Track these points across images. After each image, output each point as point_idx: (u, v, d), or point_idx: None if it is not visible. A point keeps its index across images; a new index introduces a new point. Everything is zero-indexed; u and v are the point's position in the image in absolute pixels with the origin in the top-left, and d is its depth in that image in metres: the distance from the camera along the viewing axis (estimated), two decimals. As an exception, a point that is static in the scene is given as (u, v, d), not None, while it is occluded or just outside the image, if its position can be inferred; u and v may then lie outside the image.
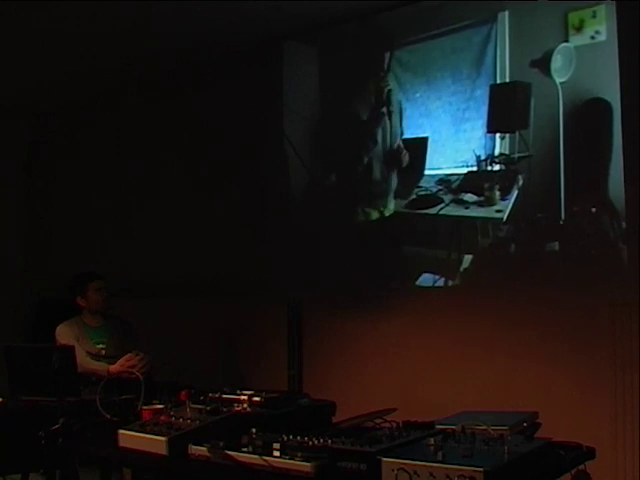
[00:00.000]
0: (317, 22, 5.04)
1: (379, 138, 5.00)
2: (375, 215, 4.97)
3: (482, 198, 4.44)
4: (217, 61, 5.70)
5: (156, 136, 6.26)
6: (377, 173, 5.01)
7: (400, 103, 4.88)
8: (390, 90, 4.94)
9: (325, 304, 5.23)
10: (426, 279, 4.67)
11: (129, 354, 4.36)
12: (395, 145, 4.91)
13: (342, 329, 5.08)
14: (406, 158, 4.85)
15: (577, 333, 4.07)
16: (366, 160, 5.06)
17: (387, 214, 4.92)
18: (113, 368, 4.29)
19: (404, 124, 4.87)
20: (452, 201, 4.57)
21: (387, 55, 4.99)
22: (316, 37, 5.28)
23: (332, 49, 5.23)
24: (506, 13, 4.35)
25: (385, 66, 5.00)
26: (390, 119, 4.93)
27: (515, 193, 4.31)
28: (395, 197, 4.88)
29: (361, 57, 5.11)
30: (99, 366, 4.33)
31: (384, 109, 4.95)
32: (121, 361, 4.33)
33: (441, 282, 4.61)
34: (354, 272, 5.02)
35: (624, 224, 3.92)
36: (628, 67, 3.89)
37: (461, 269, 4.52)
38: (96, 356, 4.49)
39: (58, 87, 6.22)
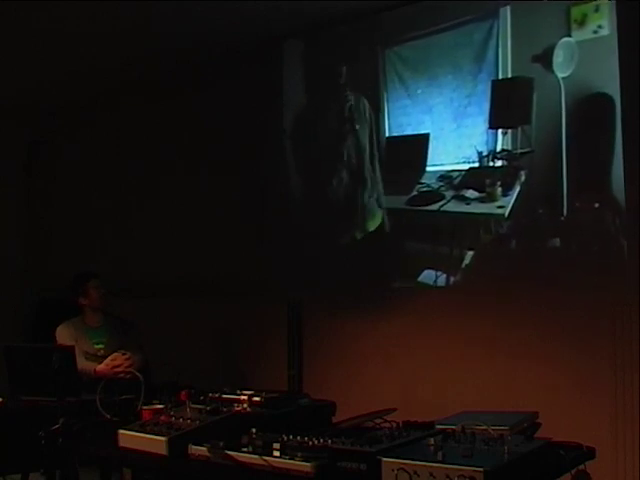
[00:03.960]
0: (317, 22, 5.04)
1: (345, 156, 5.04)
2: (359, 235, 5.00)
3: (484, 194, 4.44)
4: (217, 61, 5.70)
5: (156, 136, 6.26)
6: (350, 190, 5.07)
7: (384, 103, 4.90)
8: (352, 105, 4.95)
9: (325, 304, 5.23)
10: (428, 275, 4.67)
11: (114, 354, 4.42)
12: (370, 153, 4.95)
13: (342, 329, 5.08)
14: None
15: (577, 333, 4.07)
16: (336, 180, 5.12)
17: (371, 229, 4.95)
18: (99, 368, 4.35)
19: (404, 121, 4.87)
20: (453, 197, 4.57)
21: (344, 68, 5.03)
22: (314, 37, 5.29)
23: (323, 50, 5.27)
24: (508, 8, 4.35)
25: (342, 80, 5.00)
26: (357, 135, 4.96)
27: (517, 189, 4.31)
28: (380, 206, 4.93)
29: (321, 71, 5.20)
30: (88, 366, 4.35)
31: (348, 126, 4.98)
32: (107, 360, 4.40)
33: (443, 278, 4.60)
34: (354, 272, 5.02)
35: (626, 219, 3.93)
36: (628, 67, 3.89)
37: (463, 265, 4.51)
38: (94, 356, 4.51)
39: (58, 87, 6.22)
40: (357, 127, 5.00)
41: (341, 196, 5.14)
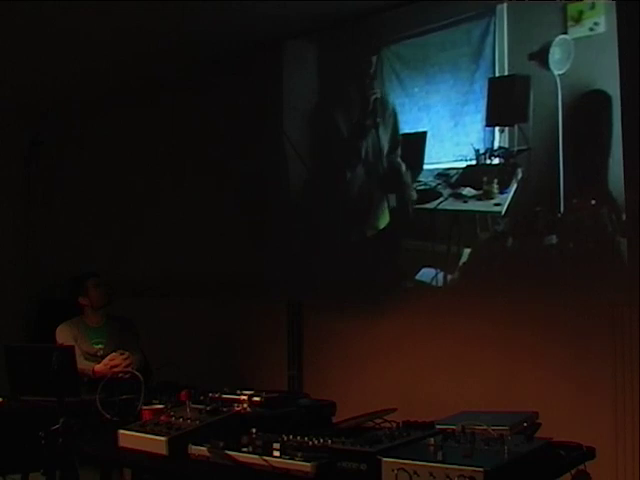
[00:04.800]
0: (317, 22, 5.04)
1: (363, 153, 4.99)
2: (370, 232, 4.97)
3: (481, 192, 4.44)
4: (217, 61, 5.70)
5: (156, 136, 6.26)
6: (364, 190, 5.02)
7: (394, 109, 4.87)
8: (377, 99, 4.93)
9: (325, 304, 5.22)
10: (426, 273, 4.67)
11: (112, 353, 4.44)
12: (385, 158, 4.92)
13: (342, 329, 5.08)
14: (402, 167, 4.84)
15: (577, 333, 4.07)
16: (350, 176, 5.07)
17: (381, 227, 4.91)
18: (98, 368, 4.36)
19: (401, 119, 4.86)
20: (451, 195, 4.57)
21: (374, 58, 4.98)
22: (315, 37, 5.28)
23: (324, 51, 5.24)
24: (504, 6, 4.35)
25: (372, 71, 4.98)
26: (377, 130, 4.93)
27: (514, 186, 4.31)
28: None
29: (345, 63, 5.13)
30: (86, 366, 4.36)
31: (369, 121, 4.95)
32: (105, 360, 4.42)
33: (440, 276, 4.61)
34: (354, 272, 5.02)
35: (624, 216, 3.91)
36: (628, 67, 3.89)
37: (460, 263, 4.51)
38: (93, 356, 4.53)
39: (58, 87, 6.22)
40: (377, 121, 4.93)
41: (344, 196, 5.13)
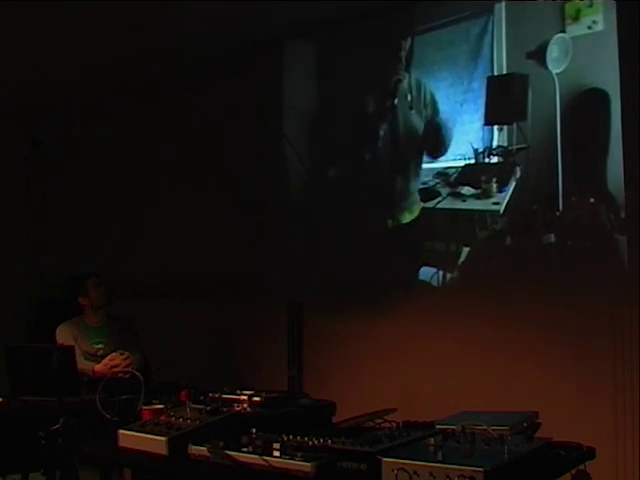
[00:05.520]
0: (317, 22, 5.04)
1: (382, 133, 4.95)
2: (396, 221, 4.88)
3: (479, 191, 4.44)
4: (217, 61, 5.70)
5: (156, 137, 6.26)
6: (388, 174, 4.96)
7: (426, 89, 4.80)
8: (399, 80, 4.88)
9: (325, 304, 5.22)
10: (425, 272, 4.67)
11: (112, 353, 4.45)
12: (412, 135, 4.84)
13: (342, 329, 5.08)
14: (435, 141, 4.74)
15: (577, 333, 4.06)
16: (369, 158, 5.02)
17: (408, 219, 4.83)
18: (98, 368, 4.37)
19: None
20: (449, 194, 4.57)
21: (407, 42, 4.87)
22: (317, 35, 5.27)
23: (335, 45, 5.22)
24: (502, 5, 4.34)
25: (404, 53, 4.88)
26: (397, 111, 4.87)
27: (512, 185, 4.30)
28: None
29: (373, 50, 5.05)
30: (86, 366, 4.36)
31: (389, 102, 4.91)
32: (105, 360, 4.42)
33: (440, 275, 4.61)
34: (354, 272, 5.02)
35: (623, 214, 3.90)
36: (628, 67, 3.89)
37: (459, 262, 4.51)
38: (93, 356, 4.53)
39: (58, 87, 6.22)
40: (396, 104, 4.88)
41: (346, 194, 5.12)
